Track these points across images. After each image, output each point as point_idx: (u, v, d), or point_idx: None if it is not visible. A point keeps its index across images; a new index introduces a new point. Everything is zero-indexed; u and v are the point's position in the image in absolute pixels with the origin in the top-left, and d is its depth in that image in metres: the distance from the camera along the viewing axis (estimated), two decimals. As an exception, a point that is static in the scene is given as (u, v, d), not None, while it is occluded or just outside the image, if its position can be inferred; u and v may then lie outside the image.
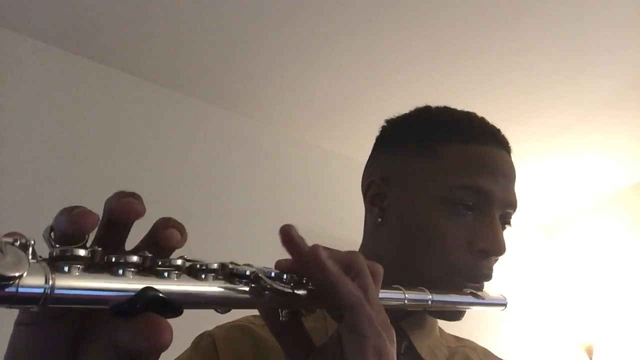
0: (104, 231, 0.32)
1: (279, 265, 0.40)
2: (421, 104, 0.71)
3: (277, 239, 0.40)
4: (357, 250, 0.53)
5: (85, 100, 1.89)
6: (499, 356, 0.70)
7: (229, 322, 0.64)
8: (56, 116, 1.81)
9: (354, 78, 2.08)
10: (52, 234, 0.30)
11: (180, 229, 0.33)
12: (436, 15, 1.79)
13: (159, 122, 2.04)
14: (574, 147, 2.48)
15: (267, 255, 0.54)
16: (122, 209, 0.31)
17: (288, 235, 0.39)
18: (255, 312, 0.44)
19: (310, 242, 0.41)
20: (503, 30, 1.85)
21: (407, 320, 0.63)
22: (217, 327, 0.63)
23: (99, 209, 0.32)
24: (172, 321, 0.30)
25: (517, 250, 2.69)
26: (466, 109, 0.69)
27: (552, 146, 2.46)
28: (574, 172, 2.67)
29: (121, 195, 0.32)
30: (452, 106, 0.70)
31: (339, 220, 1.97)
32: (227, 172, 2.14)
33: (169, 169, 1.99)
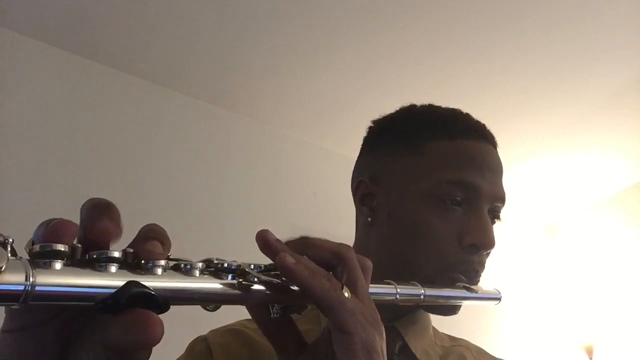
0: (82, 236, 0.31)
1: None
2: (421, 103, 0.71)
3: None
4: None
5: (85, 100, 1.89)
6: (497, 356, 0.70)
7: (223, 327, 0.63)
8: (56, 116, 1.81)
9: (353, 78, 2.08)
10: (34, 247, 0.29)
11: (162, 239, 0.32)
12: (435, 15, 1.79)
13: (159, 122, 2.04)
14: (574, 147, 2.48)
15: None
16: (98, 233, 0.30)
17: (264, 241, 0.38)
18: (250, 317, 0.43)
19: None
20: (503, 30, 1.85)
21: (401, 321, 0.63)
22: (211, 331, 0.63)
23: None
24: (166, 325, 0.29)
25: (517, 250, 2.70)
26: (466, 109, 0.69)
27: (552, 146, 2.46)
28: (574, 172, 2.67)
29: (94, 217, 0.30)
30: (453, 106, 0.70)
31: (339, 220, 1.96)
32: (227, 172, 2.14)
33: (169, 169, 1.99)
